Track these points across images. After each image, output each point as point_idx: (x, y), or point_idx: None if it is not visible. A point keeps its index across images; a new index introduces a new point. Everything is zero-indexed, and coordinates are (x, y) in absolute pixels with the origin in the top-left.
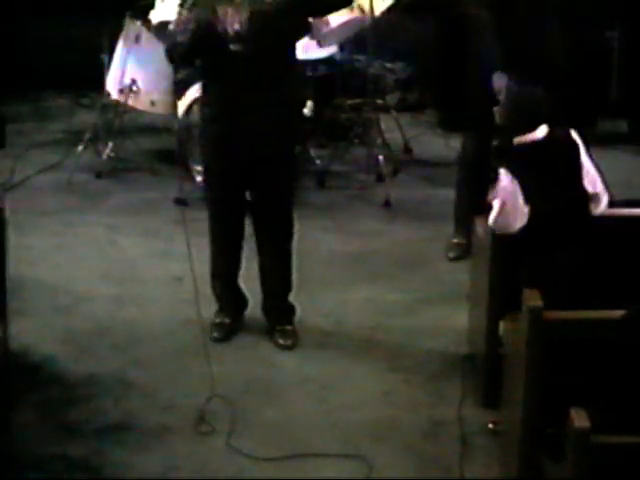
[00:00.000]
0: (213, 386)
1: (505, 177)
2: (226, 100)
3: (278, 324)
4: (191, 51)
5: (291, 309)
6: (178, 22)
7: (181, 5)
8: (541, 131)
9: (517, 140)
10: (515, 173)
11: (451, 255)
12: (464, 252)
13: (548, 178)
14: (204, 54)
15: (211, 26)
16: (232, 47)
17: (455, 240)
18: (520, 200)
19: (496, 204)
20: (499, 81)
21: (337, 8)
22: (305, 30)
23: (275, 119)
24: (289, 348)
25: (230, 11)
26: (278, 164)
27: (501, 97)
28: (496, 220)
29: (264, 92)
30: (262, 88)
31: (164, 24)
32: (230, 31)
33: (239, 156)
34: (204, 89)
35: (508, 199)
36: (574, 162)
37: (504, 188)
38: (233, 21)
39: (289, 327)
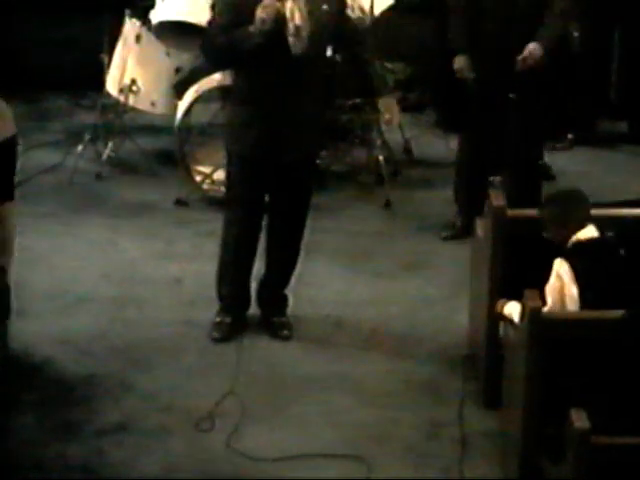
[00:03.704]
0: (234, 383)
1: (562, 266)
2: (268, 98)
3: (273, 315)
4: (265, 41)
5: (285, 300)
6: (268, 11)
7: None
8: (591, 230)
9: (574, 239)
10: (576, 269)
11: (443, 234)
12: (457, 234)
13: (607, 279)
14: (265, 48)
15: (277, 19)
16: (290, 40)
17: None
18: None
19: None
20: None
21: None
22: None
23: (311, 122)
24: (288, 339)
25: (292, 5)
26: (305, 166)
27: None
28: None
29: (306, 92)
30: (305, 88)
31: (165, 24)
32: (291, 26)
33: (272, 158)
34: (238, 89)
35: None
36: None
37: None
38: (294, 16)
39: (284, 318)
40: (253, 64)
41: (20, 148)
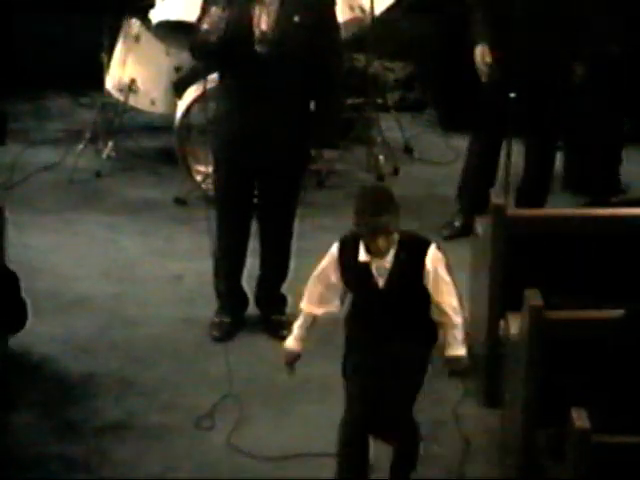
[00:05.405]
0: (231, 384)
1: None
2: (243, 99)
3: (272, 314)
4: (220, 49)
5: (283, 299)
6: (210, 20)
7: (211, 2)
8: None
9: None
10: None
11: (445, 233)
12: (458, 232)
13: None
14: (231, 53)
15: (241, 25)
16: (257, 48)
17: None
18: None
19: None
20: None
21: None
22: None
23: (289, 125)
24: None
25: (259, 12)
26: (287, 168)
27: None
28: None
29: (277, 98)
30: (280, 92)
31: (165, 23)
32: (257, 32)
33: (250, 158)
34: (218, 88)
35: None
36: None
37: None
38: (260, 22)
39: (283, 317)
40: (222, 66)
41: (21, 147)
